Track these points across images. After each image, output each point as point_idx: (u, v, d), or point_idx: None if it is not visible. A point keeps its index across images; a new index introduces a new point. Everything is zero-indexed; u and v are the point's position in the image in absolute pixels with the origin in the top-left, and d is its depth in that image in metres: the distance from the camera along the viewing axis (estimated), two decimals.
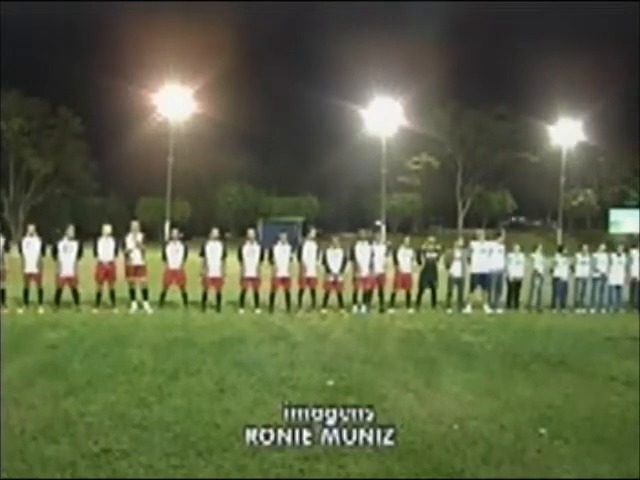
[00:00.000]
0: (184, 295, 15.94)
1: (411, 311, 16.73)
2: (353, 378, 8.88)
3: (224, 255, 16.08)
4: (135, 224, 16.51)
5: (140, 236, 16.22)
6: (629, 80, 69.31)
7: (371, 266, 16.63)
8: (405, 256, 17.14)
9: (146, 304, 15.79)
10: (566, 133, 71.48)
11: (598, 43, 78.38)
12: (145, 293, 15.94)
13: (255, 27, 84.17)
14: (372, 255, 16.67)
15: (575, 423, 7.09)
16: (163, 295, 15.90)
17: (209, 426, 6.66)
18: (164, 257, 16.07)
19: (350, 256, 16.60)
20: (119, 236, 16.22)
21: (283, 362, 9.92)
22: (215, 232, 16.40)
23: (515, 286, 17.98)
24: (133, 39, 67.58)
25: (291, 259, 16.33)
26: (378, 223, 70.67)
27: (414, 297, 17.14)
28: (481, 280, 17.50)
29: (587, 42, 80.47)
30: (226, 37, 68.81)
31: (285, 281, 16.20)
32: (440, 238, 19.34)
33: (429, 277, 17.34)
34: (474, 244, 17.73)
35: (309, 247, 16.46)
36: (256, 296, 16.02)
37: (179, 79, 60.71)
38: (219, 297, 15.93)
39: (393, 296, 16.94)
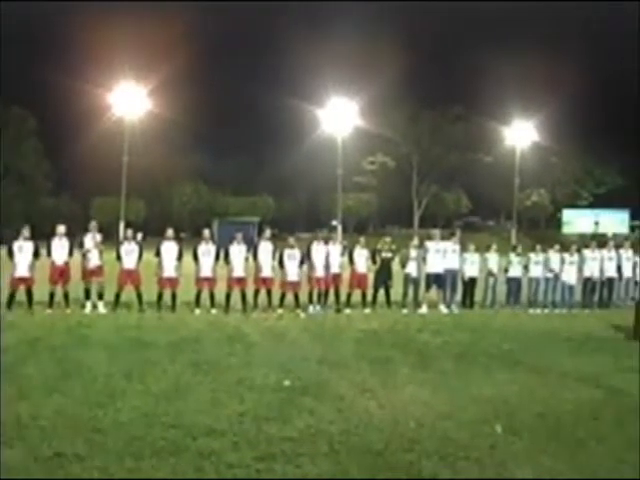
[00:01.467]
0: (139, 295, 15.77)
1: (367, 311, 16.79)
2: (310, 378, 8.88)
3: (180, 255, 15.96)
4: (94, 224, 16.32)
5: (99, 236, 16.03)
6: (582, 81, 70.63)
7: (327, 266, 16.66)
8: (361, 256, 17.20)
9: (100, 304, 15.59)
10: (520, 134, 72.62)
11: (551, 44, 79.71)
12: (100, 294, 15.73)
13: (211, 26, 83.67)
14: (328, 255, 16.71)
15: (529, 420, 7.20)
16: (118, 295, 15.70)
17: (165, 427, 6.60)
18: (118, 257, 15.89)
19: (307, 256, 16.61)
20: (73, 236, 15.99)
21: (239, 362, 9.89)
22: (170, 232, 16.28)
23: (470, 285, 18.19)
24: (88, 38, 66.69)
25: (247, 259, 16.28)
26: (334, 223, 70.90)
27: (370, 297, 17.22)
28: (436, 280, 17.63)
29: (540, 43, 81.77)
30: (181, 36, 68.39)
31: (241, 281, 16.15)
32: (396, 238, 19.47)
33: (384, 277, 17.43)
34: (429, 244, 17.85)
35: (265, 247, 16.43)
36: (212, 296, 15.94)
37: (134, 77, 60.17)
38: (174, 297, 15.80)
39: (349, 296, 16.99)
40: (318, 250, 16.70)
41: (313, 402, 7.69)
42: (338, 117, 64.30)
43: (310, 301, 16.65)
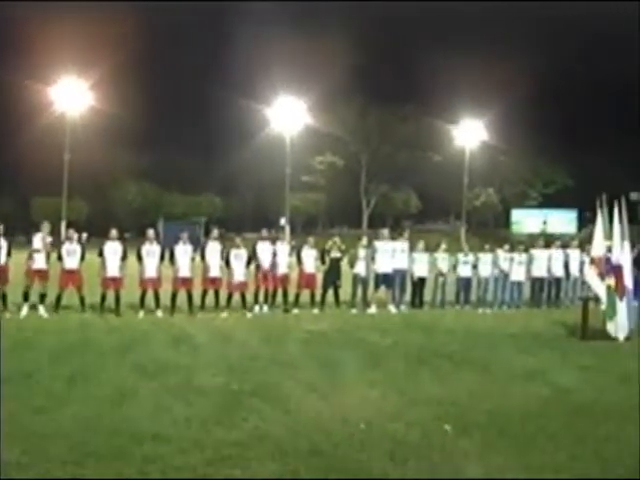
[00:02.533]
0: (81, 297, 15.54)
1: (316, 311, 16.84)
2: (258, 380, 8.87)
3: (124, 256, 15.76)
4: (46, 224, 15.98)
5: (49, 238, 15.73)
6: (531, 81, 71.82)
7: (274, 266, 16.66)
8: (309, 256, 17.25)
9: (42, 308, 15.29)
10: (469, 133, 73.51)
11: (500, 43, 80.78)
12: (42, 296, 15.42)
13: (158, 23, 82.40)
14: (275, 255, 16.71)
15: (479, 418, 7.30)
16: (59, 298, 15.44)
17: (109, 433, 6.51)
18: (60, 258, 15.62)
19: (253, 256, 16.58)
20: (11, 236, 15.63)
21: (185, 365, 9.82)
22: (114, 232, 16.06)
23: (419, 285, 18.37)
24: (28, 31, 65.32)
25: (193, 259, 16.17)
26: (282, 223, 70.81)
27: (318, 297, 17.27)
28: (385, 279, 17.75)
29: (490, 42, 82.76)
30: (127, 31, 67.41)
31: (187, 282, 16.03)
32: (344, 238, 19.53)
33: (333, 277, 17.51)
34: (378, 243, 17.96)
35: (212, 247, 16.34)
36: (156, 297, 15.79)
37: (76, 72, 59.18)
38: (118, 299, 15.59)
39: (297, 296, 17.01)
40: (264, 250, 16.70)
41: (261, 404, 7.68)
42: (286, 115, 64.25)
43: (256, 301, 16.63)
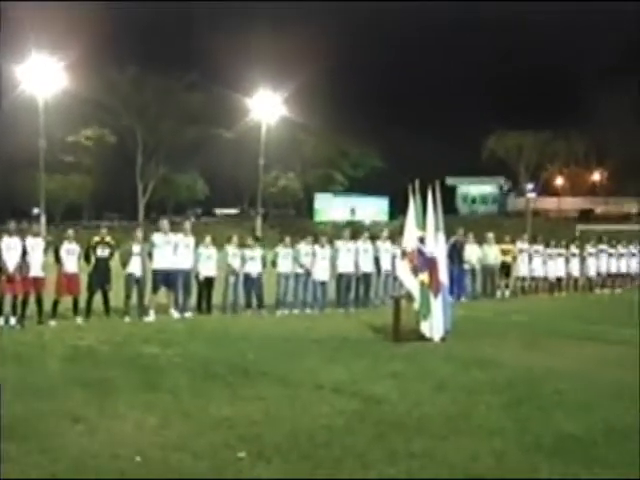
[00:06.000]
0: None
1: (80, 321, 16.45)
2: (3, 412, 8.45)
3: None
4: None
5: None
6: (336, 56, 74.08)
7: (24, 267, 16.03)
8: (70, 253, 16.80)
9: None
10: (266, 107, 74.33)
11: (296, 8, 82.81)
12: None
13: None
14: (26, 253, 16.08)
15: (278, 441, 7.39)
16: None
17: None
18: None
19: None
20: None
21: None
22: None
23: (207, 285, 18.40)
24: None
25: None
26: (36, 211, 68.42)
27: (82, 304, 16.86)
28: (166, 279, 17.66)
29: (285, 7, 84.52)
30: None
31: None
32: (116, 230, 19.26)
33: (101, 279, 17.18)
34: (157, 237, 17.80)
35: None
36: None
37: None
38: None
39: (55, 304, 16.51)
40: (11, 247, 16.02)
41: (8, 444, 7.27)
42: (39, 75, 61.47)
43: (1, 313, 15.97)
